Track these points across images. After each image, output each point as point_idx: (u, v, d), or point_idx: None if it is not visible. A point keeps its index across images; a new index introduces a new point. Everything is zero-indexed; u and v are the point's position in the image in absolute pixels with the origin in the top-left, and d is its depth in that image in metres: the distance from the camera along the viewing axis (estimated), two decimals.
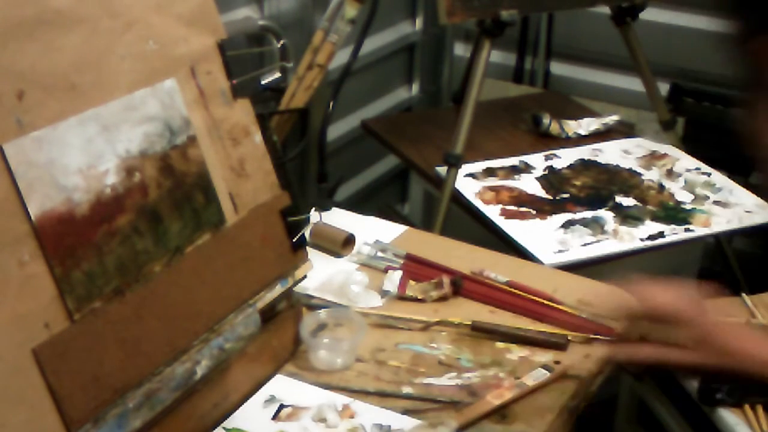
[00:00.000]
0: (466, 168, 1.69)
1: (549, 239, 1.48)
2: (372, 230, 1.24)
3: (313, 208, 1.27)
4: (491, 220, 1.55)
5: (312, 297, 1.08)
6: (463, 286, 1.11)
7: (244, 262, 0.89)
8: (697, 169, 1.70)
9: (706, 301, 0.98)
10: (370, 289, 1.11)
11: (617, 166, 1.76)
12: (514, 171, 1.72)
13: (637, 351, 0.97)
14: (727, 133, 0.76)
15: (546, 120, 1.89)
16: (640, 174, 1.72)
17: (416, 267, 1.16)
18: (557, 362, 0.99)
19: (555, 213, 1.57)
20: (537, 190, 1.65)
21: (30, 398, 0.69)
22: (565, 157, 1.78)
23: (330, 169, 1.71)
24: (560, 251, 1.45)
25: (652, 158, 1.78)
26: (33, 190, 0.70)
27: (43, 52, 0.73)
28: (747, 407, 1.00)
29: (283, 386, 0.93)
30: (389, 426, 0.88)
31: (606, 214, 1.57)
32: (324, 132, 1.67)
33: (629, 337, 0.98)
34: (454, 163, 1.63)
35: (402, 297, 1.10)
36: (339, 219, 1.27)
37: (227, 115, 0.90)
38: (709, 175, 1.67)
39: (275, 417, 0.89)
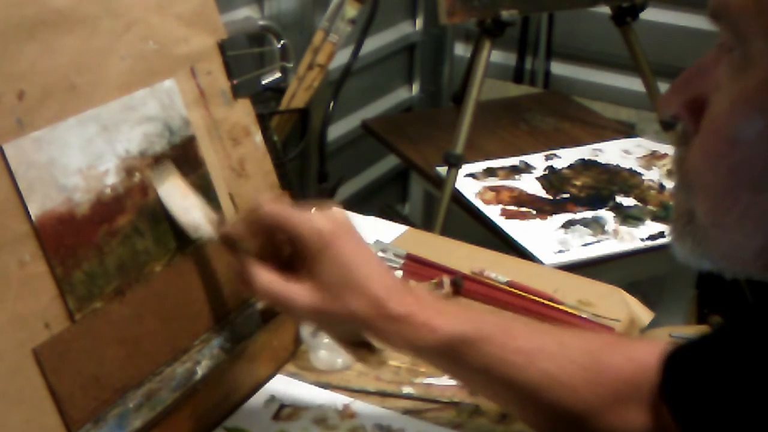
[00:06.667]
0: (467, 168, 1.69)
1: (549, 239, 1.49)
2: (372, 230, 1.24)
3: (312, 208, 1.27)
4: (491, 220, 1.55)
5: None
6: (463, 286, 1.11)
7: None
8: None
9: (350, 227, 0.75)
10: None
11: (617, 166, 1.76)
12: (514, 171, 1.72)
13: (256, 274, 0.75)
14: None
15: None
16: (640, 174, 1.72)
17: (416, 267, 1.16)
18: None
19: (555, 213, 1.57)
20: (537, 190, 1.66)
21: (30, 398, 0.69)
22: (565, 157, 1.79)
23: (330, 169, 1.71)
24: (560, 251, 1.45)
25: (653, 158, 1.78)
26: (33, 190, 0.70)
27: (43, 52, 0.73)
28: None
29: (283, 386, 0.93)
30: (390, 426, 0.88)
31: (606, 214, 1.57)
32: (324, 132, 1.67)
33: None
34: (455, 163, 1.63)
35: None
36: None
37: (227, 115, 0.90)
38: None
39: (276, 417, 0.89)
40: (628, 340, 0.92)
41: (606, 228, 1.52)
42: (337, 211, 0.76)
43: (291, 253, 0.77)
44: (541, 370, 0.74)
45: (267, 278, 0.76)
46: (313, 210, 0.76)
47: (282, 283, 0.75)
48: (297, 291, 0.75)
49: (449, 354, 0.75)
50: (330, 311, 0.74)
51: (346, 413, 0.90)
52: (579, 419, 0.75)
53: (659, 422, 0.74)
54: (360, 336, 0.78)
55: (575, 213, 1.57)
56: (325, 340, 0.97)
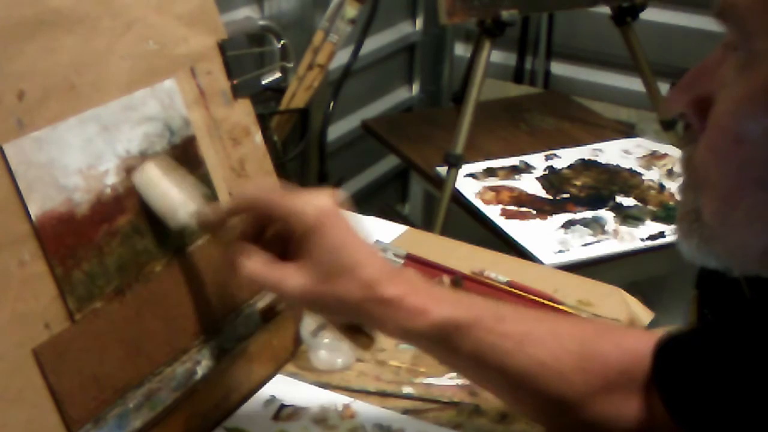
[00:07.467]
0: (467, 168, 1.69)
1: (549, 239, 1.49)
2: (372, 230, 1.24)
3: None
4: (491, 220, 1.55)
5: None
6: (463, 286, 1.11)
7: None
8: None
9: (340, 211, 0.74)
10: None
11: (617, 166, 1.76)
12: (514, 171, 1.72)
13: (243, 258, 0.74)
14: None
15: None
16: (640, 174, 1.72)
17: (417, 267, 1.15)
18: None
19: (555, 213, 1.57)
20: (537, 190, 1.66)
21: (30, 398, 0.69)
22: (565, 157, 1.79)
23: (330, 169, 1.71)
24: (560, 251, 1.45)
25: (653, 158, 1.78)
26: (33, 190, 0.70)
27: (43, 52, 0.73)
28: None
29: (283, 386, 0.93)
30: (390, 426, 0.88)
31: (606, 214, 1.57)
32: (324, 132, 1.67)
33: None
34: (455, 163, 1.63)
35: None
36: None
37: (227, 115, 0.90)
38: None
39: (276, 417, 0.89)
40: (621, 328, 0.91)
41: (606, 228, 1.52)
42: (325, 195, 0.75)
43: (280, 238, 0.76)
44: (531, 356, 0.74)
45: (254, 262, 0.75)
46: (302, 193, 0.75)
47: (270, 266, 0.75)
48: (286, 274, 0.74)
49: (440, 338, 0.75)
50: (320, 295, 0.73)
51: (346, 413, 0.90)
52: (569, 406, 0.75)
53: (650, 410, 0.74)
54: (352, 320, 0.78)
55: (575, 213, 1.57)
56: (325, 340, 0.97)
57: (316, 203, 0.74)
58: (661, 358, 0.73)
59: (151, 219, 0.80)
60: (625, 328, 0.88)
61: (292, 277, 0.74)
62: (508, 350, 0.74)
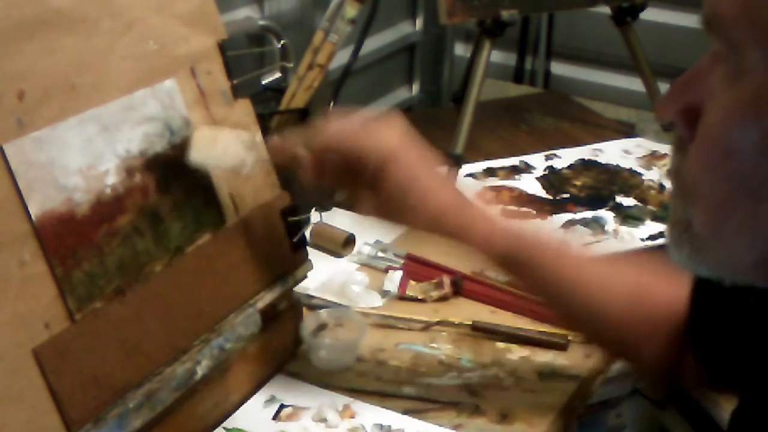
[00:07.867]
0: (467, 168, 1.69)
1: None
2: (372, 230, 1.24)
3: (314, 208, 1.27)
4: None
5: (312, 297, 1.08)
6: (463, 286, 1.11)
7: (245, 263, 0.89)
8: None
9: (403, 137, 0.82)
10: (370, 289, 1.11)
11: (617, 166, 1.76)
12: (514, 171, 1.72)
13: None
14: None
15: None
16: (640, 174, 1.72)
17: (417, 267, 1.16)
18: None
19: (555, 213, 1.57)
20: (537, 190, 1.65)
21: (30, 398, 0.69)
22: (565, 157, 1.78)
23: None
24: None
25: (653, 158, 1.78)
26: (33, 190, 0.70)
27: (43, 52, 0.73)
28: None
29: (283, 386, 0.93)
30: (390, 426, 0.88)
31: (606, 214, 1.57)
32: None
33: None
34: (455, 163, 1.63)
35: (402, 297, 1.10)
36: (339, 219, 1.27)
37: (227, 115, 0.90)
38: None
39: (276, 417, 0.89)
40: (664, 276, 0.92)
41: (606, 228, 1.52)
42: (394, 129, 0.81)
43: (348, 171, 0.82)
44: (583, 302, 0.82)
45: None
46: (375, 124, 0.81)
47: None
48: (361, 198, 0.83)
49: (503, 266, 0.84)
50: (390, 221, 0.84)
51: (346, 413, 0.90)
52: (625, 350, 0.83)
53: (685, 356, 0.78)
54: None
55: (575, 213, 1.57)
56: (326, 340, 0.97)
57: (386, 140, 0.80)
58: (694, 309, 0.77)
59: (151, 219, 0.80)
60: (668, 274, 0.90)
61: (366, 202, 0.82)
62: (566, 291, 0.83)
